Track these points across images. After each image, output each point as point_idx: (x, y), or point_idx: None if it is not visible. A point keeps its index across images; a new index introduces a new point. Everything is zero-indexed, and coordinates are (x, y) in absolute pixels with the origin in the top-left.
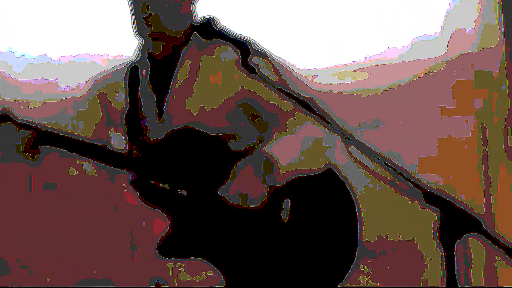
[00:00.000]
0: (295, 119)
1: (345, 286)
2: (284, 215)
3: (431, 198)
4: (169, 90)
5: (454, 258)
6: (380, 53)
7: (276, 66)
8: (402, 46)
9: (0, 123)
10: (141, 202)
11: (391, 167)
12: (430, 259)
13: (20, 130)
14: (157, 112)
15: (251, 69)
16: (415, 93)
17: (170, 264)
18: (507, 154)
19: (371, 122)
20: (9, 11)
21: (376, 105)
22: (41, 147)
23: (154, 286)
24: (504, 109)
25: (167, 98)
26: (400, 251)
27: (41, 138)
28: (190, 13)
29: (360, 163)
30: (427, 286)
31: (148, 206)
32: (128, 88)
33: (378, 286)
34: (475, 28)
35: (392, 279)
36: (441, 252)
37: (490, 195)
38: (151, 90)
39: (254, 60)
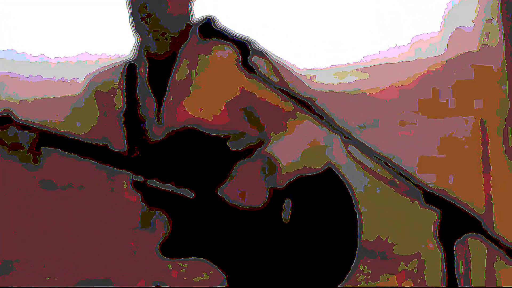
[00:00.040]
0: (295, 119)
1: (345, 286)
2: (285, 216)
3: (431, 198)
4: (167, 90)
5: (454, 258)
6: (380, 53)
7: (275, 66)
8: (402, 46)
9: (2, 125)
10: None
11: (391, 167)
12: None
13: (24, 132)
14: (156, 113)
15: (250, 69)
16: (415, 93)
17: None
18: (507, 154)
19: (371, 122)
20: (8, 11)
21: (376, 105)
22: (42, 148)
23: (154, 287)
24: (504, 109)
25: (165, 98)
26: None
27: (43, 140)
28: (188, 13)
29: (359, 162)
30: (428, 286)
31: (149, 207)
32: (125, 87)
33: (378, 286)
34: (475, 28)
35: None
36: (441, 252)
37: (490, 195)
38: (150, 90)
39: (254, 59)
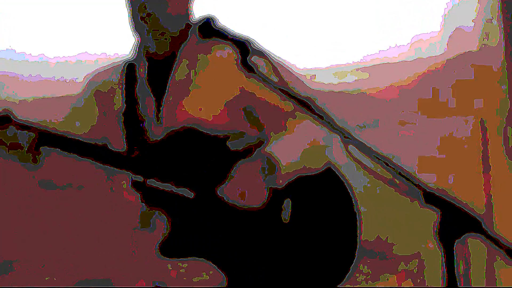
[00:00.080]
0: (295, 118)
1: (345, 286)
2: (285, 216)
3: (431, 198)
4: (167, 90)
5: (454, 258)
6: (380, 53)
7: (275, 66)
8: (402, 46)
9: (1, 125)
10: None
11: (391, 167)
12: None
13: (23, 132)
14: (155, 112)
15: (250, 69)
16: (415, 92)
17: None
18: (507, 154)
19: (371, 121)
20: (8, 11)
21: (376, 104)
22: (41, 148)
23: (154, 287)
24: (504, 109)
25: (164, 98)
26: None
27: (42, 139)
28: (187, 13)
29: (359, 162)
30: (428, 286)
31: (148, 207)
32: (125, 87)
33: (378, 286)
34: (475, 28)
35: (392, 279)
36: (441, 252)
37: (490, 195)
38: (150, 90)
39: (254, 59)
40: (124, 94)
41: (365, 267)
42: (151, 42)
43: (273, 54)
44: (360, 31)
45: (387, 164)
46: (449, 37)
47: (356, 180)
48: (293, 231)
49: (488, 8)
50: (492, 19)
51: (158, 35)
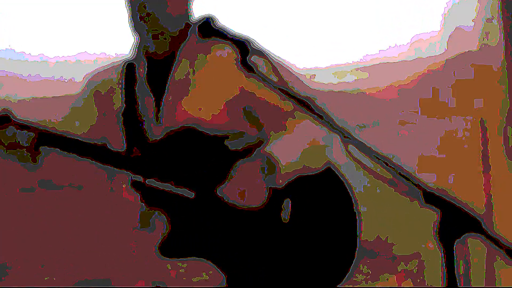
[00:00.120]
0: (294, 118)
1: (345, 286)
2: (285, 215)
3: (431, 198)
4: (166, 89)
5: (454, 258)
6: (379, 53)
7: (275, 65)
8: (402, 46)
9: (1, 124)
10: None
11: (391, 167)
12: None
13: (23, 131)
14: (155, 112)
15: (250, 68)
16: (415, 92)
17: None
18: (507, 154)
19: (371, 121)
20: (8, 10)
21: (376, 104)
22: (41, 148)
23: (154, 287)
24: (504, 109)
25: (164, 98)
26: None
27: (41, 139)
28: (187, 12)
29: (359, 162)
30: (428, 286)
31: (148, 207)
32: (124, 86)
33: (378, 286)
34: (475, 27)
35: (392, 279)
36: (441, 252)
37: (490, 195)
38: (149, 90)
39: (253, 59)
40: (123, 94)
41: (365, 267)
42: (151, 42)
43: (272, 53)
44: (360, 31)
45: (387, 164)
46: (449, 36)
47: (356, 180)
48: (292, 231)
49: (488, 8)
50: (492, 19)
51: (158, 34)
